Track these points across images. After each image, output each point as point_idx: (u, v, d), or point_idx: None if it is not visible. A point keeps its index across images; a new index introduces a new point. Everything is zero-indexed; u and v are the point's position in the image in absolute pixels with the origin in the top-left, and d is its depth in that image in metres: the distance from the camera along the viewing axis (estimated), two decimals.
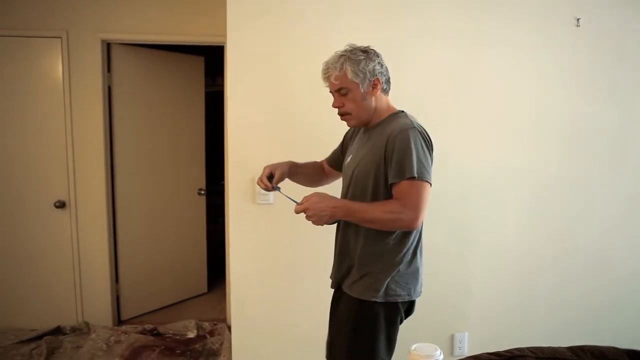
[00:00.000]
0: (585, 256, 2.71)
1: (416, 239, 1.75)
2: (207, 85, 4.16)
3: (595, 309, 2.75)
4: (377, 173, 1.69)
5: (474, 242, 2.59)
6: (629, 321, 2.79)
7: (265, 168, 1.91)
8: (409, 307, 1.80)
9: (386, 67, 1.77)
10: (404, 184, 1.61)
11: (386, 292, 1.70)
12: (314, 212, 1.63)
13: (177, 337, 3.32)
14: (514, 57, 2.52)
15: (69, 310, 3.48)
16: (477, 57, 2.49)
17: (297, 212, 1.66)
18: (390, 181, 1.65)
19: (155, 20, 3.37)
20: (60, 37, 3.28)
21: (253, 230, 2.44)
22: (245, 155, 2.37)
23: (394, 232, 1.70)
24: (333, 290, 1.89)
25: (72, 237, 3.44)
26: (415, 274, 1.76)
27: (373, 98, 1.74)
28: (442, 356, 1.12)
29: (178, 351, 3.10)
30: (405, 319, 1.80)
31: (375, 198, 1.70)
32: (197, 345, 3.19)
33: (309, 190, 1.77)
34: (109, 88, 3.46)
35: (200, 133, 4.03)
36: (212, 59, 4.05)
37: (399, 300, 1.72)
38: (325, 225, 1.69)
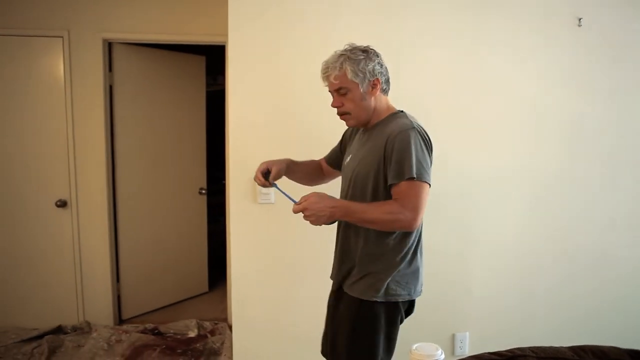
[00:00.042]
0: (586, 256, 2.71)
1: (416, 239, 1.76)
2: (208, 85, 4.16)
3: (595, 309, 2.75)
4: (376, 173, 1.69)
5: (474, 241, 2.59)
6: (629, 321, 2.79)
7: (261, 164, 1.90)
8: (409, 307, 1.80)
9: (386, 67, 1.77)
10: (403, 184, 1.61)
11: (387, 292, 1.70)
12: (313, 212, 1.62)
13: (178, 337, 3.32)
14: (514, 57, 2.52)
15: (70, 309, 3.49)
16: (477, 57, 2.49)
17: (295, 211, 1.65)
18: (389, 182, 1.65)
19: (156, 20, 3.38)
20: (62, 37, 3.29)
21: (254, 230, 2.44)
22: (246, 154, 2.37)
23: (394, 233, 1.70)
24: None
25: (73, 236, 3.44)
26: (415, 274, 1.76)
27: (372, 98, 1.74)
28: (443, 356, 1.12)
29: (179, 350, 3.11)
30: (405, 318, 1.80)
31: (375, 198, 1.70)
32: (198, 345, 3.20)
33: (307, 190, 1.77)
34: (111, 87, 3.47)
35: (201, 132, 4.03)
36: (213, 58, 4.05)
37: (400, 300, 1.73)
38: (323, 225, 1.67)
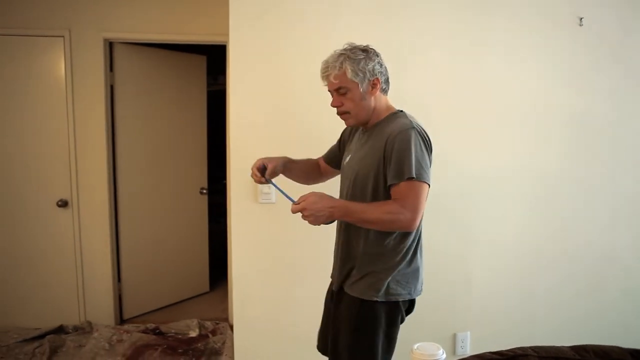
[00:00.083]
0: (586, 256, 2.71)
1: (416, 239, 1.76)
2: (209, 84, 4.16)
3: (596, 308, 2.75)
4: (377, 174, 1.69)
5: (474, 241, 2.59)
6: (629, 320, 2.80)
7: (257, 160, 1.89)
8: (409, 306, 1.80)
9: (385, 67, 1.77)
10: (403, 184, 1.61)
11: (387, 292, 1.71)
12: (312, 213, 1.60)
13: (179, 336, 3.33)
14: (514, 57, 2.52)
15: (72, 309, 3.49)
16: (477, 57, 2.49)
17: (294, 211, 1.63)
18: (389, 182, 1.65)
19: (157, 20, 3.38)
20: (63, 36, 3.29)
21: (255, 230, 2.44)
22: (247, 154, 2.36)
23: (394, 233, 1.70)
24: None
25: (74, 236, 3.45)
26: (415, 273, 1.77)
27: (372, 98, 1.74)
28: (444, 355, 1.11)
29: (180, 350, 3.11)
30: (405, 317, 1.80)
31: (375, 198, 1.70)
32: (199, 345, 3.20)
33: (305, 189, 1.77)
34: (112, 87, 3.47)
35: (202, 132, 4.03)
36: (213, 58, 4.06)
37: (400, 300, 1.73)
38: (322, 225, 1.66)
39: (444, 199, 2.43)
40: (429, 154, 1.69)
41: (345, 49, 1.72)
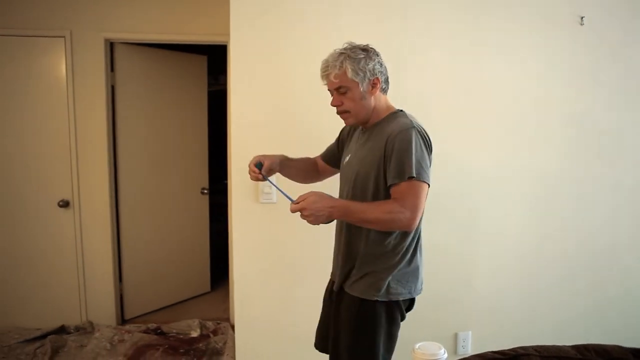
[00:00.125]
0: (586, 255, 2.71)
1: (416, 238, 1.76)
2: (209, 84, 4.16)
3: (597, 308, 2.76)
4: (377, 174, 1.69)
5: (475, 241, 2.60)
6: (630, 320, 2.80)
7: (254, 157, 1.88)
8: (410, 304, 1.81)
9: (385, 66, 1.77)
10: (403, 184, 1.62)
11: (387, 291, 1.71)
12: (311, 212, 1.59)
13: (181, 336, 3.33)
14: (514, 57, 2.52)
15: (73, 309, 3.50)
16: (477, 57, 2.49)
17: (293, 211, 1.62)
18: (389, 182, 1.65)
19: (157, 20, 3.39)
20: (64, 37, 3.29)
21: (256, 229, 2.44)
22: (247, 154, 2.35)
23: (395, 232, 1.71)
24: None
25: (75, 236, 3.45)
26: (415, 272, 1.77)
27: (372, 97, 1.74)
28: (446, 355, 1.11)
29: (182, 350, 3.12)
30: (405, 315, 1.81)
31: (375, 198, 1.70)
32: (200, 345, 3.21)
33: (304, 188, 1.76)
34: (113, 87, 3.47)
35: (203, 132, 4.04)
36: (214, 58, 4.06)
37: (400, 299, 1.74)
38: (321, 224, 1.65)
39: (444, 198, 2.43)
40: (429, 154, 1.70)
41: (345, 49, 1.72)
